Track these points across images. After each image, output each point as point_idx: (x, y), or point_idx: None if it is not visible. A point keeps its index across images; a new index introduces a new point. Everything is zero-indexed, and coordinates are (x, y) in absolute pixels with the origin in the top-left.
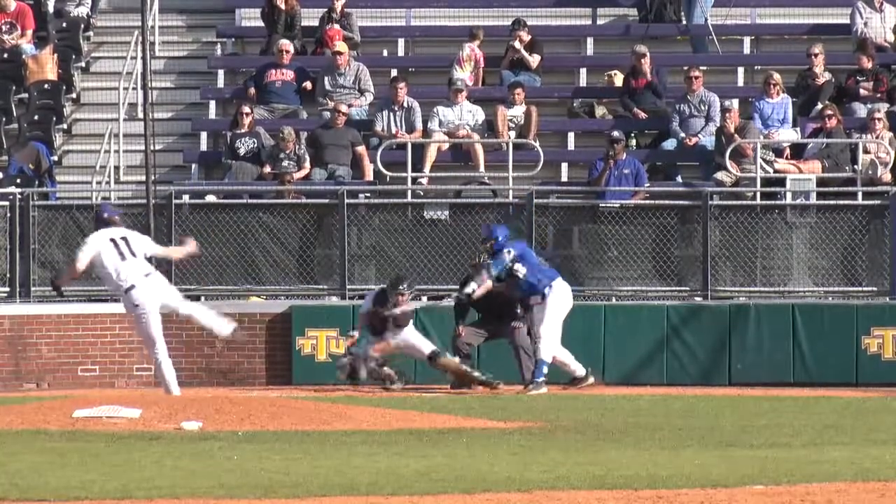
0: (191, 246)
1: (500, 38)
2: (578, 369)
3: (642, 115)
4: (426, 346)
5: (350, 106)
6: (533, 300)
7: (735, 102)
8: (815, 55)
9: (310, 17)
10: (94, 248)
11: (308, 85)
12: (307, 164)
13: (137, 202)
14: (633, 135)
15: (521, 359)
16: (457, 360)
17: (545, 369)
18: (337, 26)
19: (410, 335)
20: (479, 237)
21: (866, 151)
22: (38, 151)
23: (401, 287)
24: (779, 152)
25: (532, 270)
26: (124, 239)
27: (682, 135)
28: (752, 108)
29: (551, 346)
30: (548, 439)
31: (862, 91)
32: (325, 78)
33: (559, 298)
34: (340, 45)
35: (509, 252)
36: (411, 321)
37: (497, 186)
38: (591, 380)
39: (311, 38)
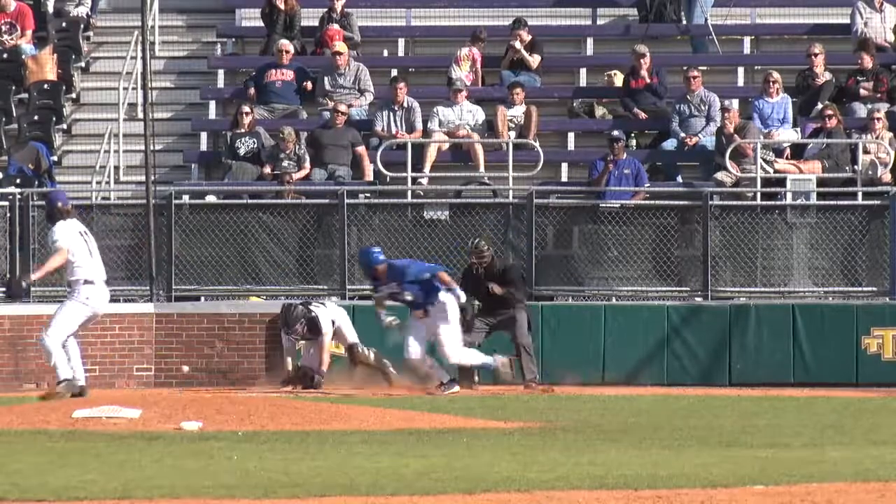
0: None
1: (500, 37)
2: (444, 376)
3: (642, 115)
4: (351, 336)
5: (350, 106)
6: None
7: (735, 102)
8: (815, 55)
9: (310, 18)
10: (68, 239)
11: (308, 85)
12: (307, 164)
13: (137, 202)
14: (633, 135)
15: (523, 358)
16: (372, 355)
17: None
18: (337, 26)
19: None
20: (466, 248)
21: (866, 151)
22: (38, 151)
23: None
24: (779, 152)
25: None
26: (85, 234)
27: (682, 135)
28: (752, 107)
29: (455, 349)
30: (548, 439)
31: (862, 91)
32: (325, 78)
33: (450, 307)
34: (340, 45)
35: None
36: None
37: (497, 186)
38: (456, 388)
39: (311, 38)
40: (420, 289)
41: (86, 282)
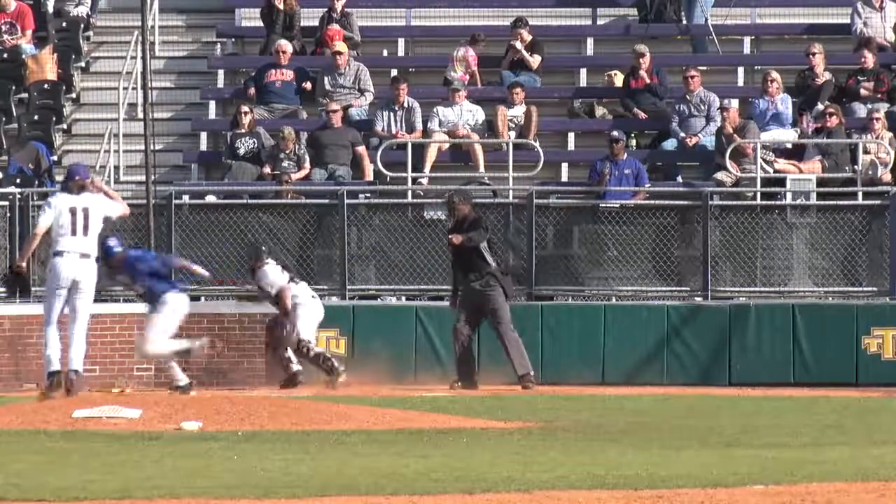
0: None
1: (500, 37)
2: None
3: (642, 115)
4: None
5: (349, 107)
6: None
7: (735, 102)
8: (814, 54)
9: (309, 18)
10: (49, 216)
11: (308, 85)
12: (307, 165)
13: (137, 202)
14: (633, 135)
15: (511, 353)
16: (314, 353)
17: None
18: (337, 26)
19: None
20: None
21: (866, 151)
22: (38, 151)
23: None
24: (779, 152)
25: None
26: (85, 210)
27: (682, 135)
28: (752, 107)
29: (155, 343)
30: (548, 439)
31: (862, 91)
32: (325, 78)
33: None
34: (340, 45)
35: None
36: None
37: (497, 186)
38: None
39: (311, 38)
40: (154, 280)
41: (55, 254)
